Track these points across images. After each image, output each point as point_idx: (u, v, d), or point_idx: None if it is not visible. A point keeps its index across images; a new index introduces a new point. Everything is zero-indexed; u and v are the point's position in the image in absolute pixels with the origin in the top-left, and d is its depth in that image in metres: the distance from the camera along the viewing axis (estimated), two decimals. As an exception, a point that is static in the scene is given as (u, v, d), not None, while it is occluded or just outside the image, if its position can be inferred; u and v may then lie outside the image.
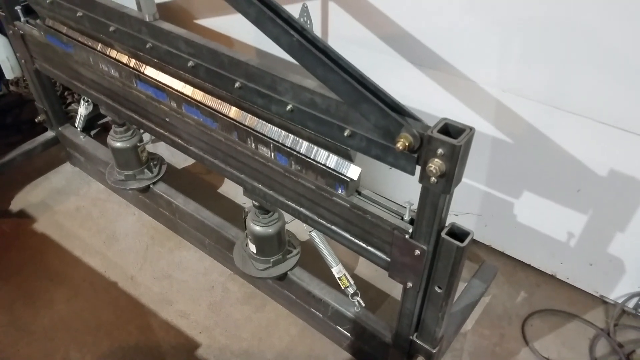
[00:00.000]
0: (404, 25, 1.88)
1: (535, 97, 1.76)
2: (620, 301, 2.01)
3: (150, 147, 2.42)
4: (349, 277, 1.68)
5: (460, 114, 1.95)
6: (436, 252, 1.26)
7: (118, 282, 2.15)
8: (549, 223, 2.03)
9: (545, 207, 1.98)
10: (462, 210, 2.25)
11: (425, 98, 1.96)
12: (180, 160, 2.77)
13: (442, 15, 1.77)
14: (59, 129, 2.55)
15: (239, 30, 2.41)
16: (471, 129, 1.07)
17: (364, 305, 1.72)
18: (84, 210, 2.50)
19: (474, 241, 2.26)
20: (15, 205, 2.53)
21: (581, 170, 1.81)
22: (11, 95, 3.05)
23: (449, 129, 1.08)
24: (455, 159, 1.05)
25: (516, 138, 1.91)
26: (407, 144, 1.10)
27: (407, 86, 1.97)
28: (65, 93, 3.00)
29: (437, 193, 1.14)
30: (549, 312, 2.05)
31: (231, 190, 2.58)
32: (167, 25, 1.52)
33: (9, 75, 3.09)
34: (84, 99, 2.37)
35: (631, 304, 2.00)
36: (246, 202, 1.80)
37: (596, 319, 2.03)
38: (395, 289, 2.11)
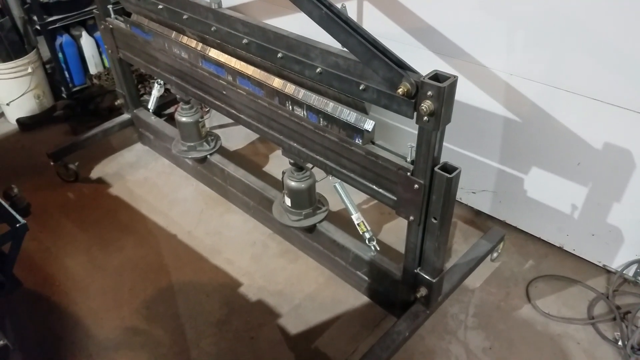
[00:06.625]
0: (428, 19, 2.20)
1: (538, 79, 2.02)
2: (620, 269, 2.18)
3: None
4: (366, 223, 1.98)
5: (476, 97, 2.24)
6: (431, 186, 1.55)
7: (177, 234, 2.54)
8: (555, 197, 2.24)
9: (551, 181, 2.20)
10: (479, 188, 2.49)
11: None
12: (232, 144, 3.17)
13: (459, 11, 2.09)
14: (134, 111, 3.03)
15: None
16: (455, 76, 1.37)
17: (378, 249, 2.00)
18: (150, 180, 2.93)
19: (489, 217, 2.51)
20: (94, 174, 3.00)
21: (580, 145, 2.03)
22: (94, 87, 3.59)
23: (439, 78, 1.39)
24: (442, 99, 1.35)
25: (524, 117, 2.16)
26: (406, 90, 1.41)
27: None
28: (139, 86, 3.52)
29: (429, 130, 1.44)
30: (553, 277, 2.24)
31: (273, 168, 2.94)
32: (228, 11, 1.92)
33: (92, 70, 3.65)
34: (157, 82, 2.83)
35: (631, 272, 2.17)
36: (285, 172, 2.14)
37: (598, 285, 2.20)
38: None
